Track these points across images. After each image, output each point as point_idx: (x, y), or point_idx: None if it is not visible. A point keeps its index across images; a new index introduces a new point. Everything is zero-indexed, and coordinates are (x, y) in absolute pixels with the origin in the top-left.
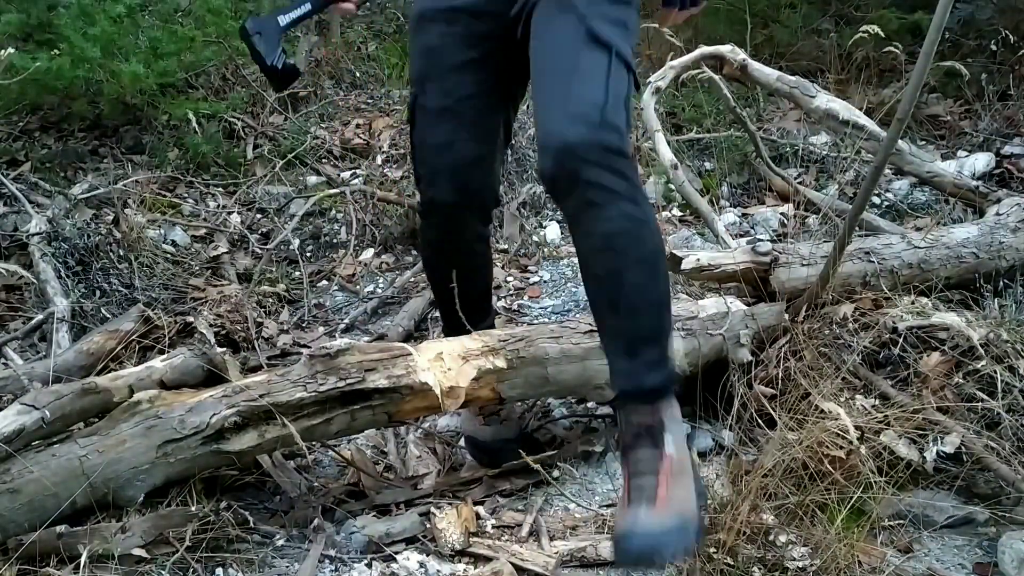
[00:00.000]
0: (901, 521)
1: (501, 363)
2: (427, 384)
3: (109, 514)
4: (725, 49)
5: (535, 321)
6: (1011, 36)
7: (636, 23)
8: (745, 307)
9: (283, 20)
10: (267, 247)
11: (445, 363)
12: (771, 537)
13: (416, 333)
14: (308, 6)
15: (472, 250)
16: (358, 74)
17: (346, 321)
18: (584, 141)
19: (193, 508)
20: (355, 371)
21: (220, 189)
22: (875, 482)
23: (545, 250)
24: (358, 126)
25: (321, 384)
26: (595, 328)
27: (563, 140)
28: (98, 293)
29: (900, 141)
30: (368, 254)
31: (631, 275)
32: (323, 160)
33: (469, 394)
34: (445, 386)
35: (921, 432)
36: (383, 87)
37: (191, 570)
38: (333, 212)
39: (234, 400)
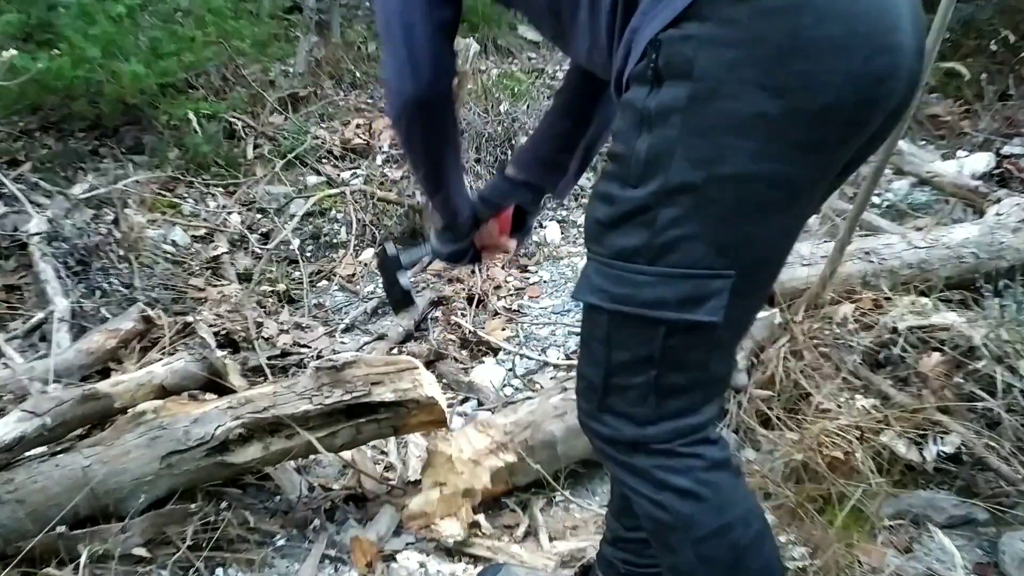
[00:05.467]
0: (901, 521)
1: (511, 458)
2: (433, 398)
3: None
4: None
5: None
6: (1011, 36)
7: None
8: None
9: (405, 258)
10: (267, 247)
11: (457, 468)
12: None
13: (416, 333)
14: (427, 257)
15: None
16: (358, 74)
17: (346, 321)
18: (589, 434)
19: (193, 508)
20: (361, 384)
21: (220, 189)
22: (875, 482)
23: (545, 250)
24: (358, 126)
25: (327, 397)
26: None
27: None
28: (98, 293)
29: (900, 141)
30: (368, 254)
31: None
32: (323, 160)
33: (485, 495)
34: None
35: (921, 432)
36: (383, 87)
37: (192, 569)
38: (333, 212)
39: (239, 412)
